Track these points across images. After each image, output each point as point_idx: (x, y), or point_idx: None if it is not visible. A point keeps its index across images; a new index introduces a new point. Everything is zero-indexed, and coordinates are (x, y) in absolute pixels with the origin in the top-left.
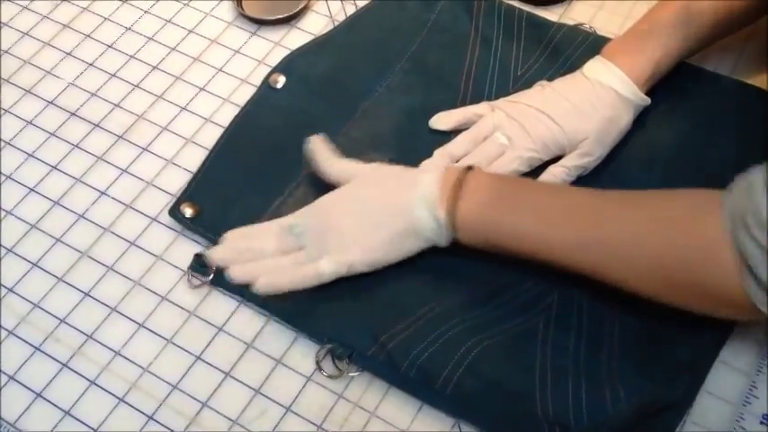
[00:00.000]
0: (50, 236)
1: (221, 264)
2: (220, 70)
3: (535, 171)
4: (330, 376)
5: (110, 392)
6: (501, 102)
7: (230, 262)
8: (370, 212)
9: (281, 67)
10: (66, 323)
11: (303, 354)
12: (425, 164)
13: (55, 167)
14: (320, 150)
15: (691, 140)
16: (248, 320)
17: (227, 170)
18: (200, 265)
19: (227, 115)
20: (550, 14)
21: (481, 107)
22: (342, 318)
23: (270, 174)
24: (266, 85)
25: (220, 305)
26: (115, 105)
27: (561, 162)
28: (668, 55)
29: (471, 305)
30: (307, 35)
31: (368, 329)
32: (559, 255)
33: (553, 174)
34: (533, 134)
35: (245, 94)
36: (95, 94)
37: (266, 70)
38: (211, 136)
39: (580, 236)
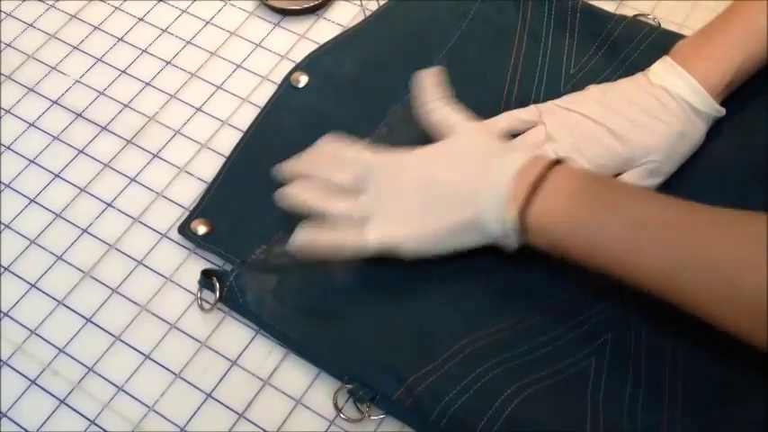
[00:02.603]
0: (51, 253)
1: (290, 174)
2: (239, 66)
3: None
4: (350, 419)
5: None
6: (552, 107)
7: (297, 174)
8: (439, 192)
9: (303, 65)
10: (66, 353)
11: (326, 393)
12: (518, 141)
13: (58, 175)
14: (430, 87)
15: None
16: (265, 353)
17: (243, 182)
18: (208, 283)
19: (245, 117)
20: (607, 4)
21: (530, 112)
22: (364, 353)
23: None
24: (287, 85)
25: (234, 334)
26: (125, 105)
27: (626, 177)
28: (751, 61)
29: (511, 342)
30: (335, 27)
31: (393, 368)
32: (648, 277)
33: None
34: (588, 154)
35: (265, 94)
36: (103, 92)
37: (289, 66)
38: (228, 141)
39: (676, 257)
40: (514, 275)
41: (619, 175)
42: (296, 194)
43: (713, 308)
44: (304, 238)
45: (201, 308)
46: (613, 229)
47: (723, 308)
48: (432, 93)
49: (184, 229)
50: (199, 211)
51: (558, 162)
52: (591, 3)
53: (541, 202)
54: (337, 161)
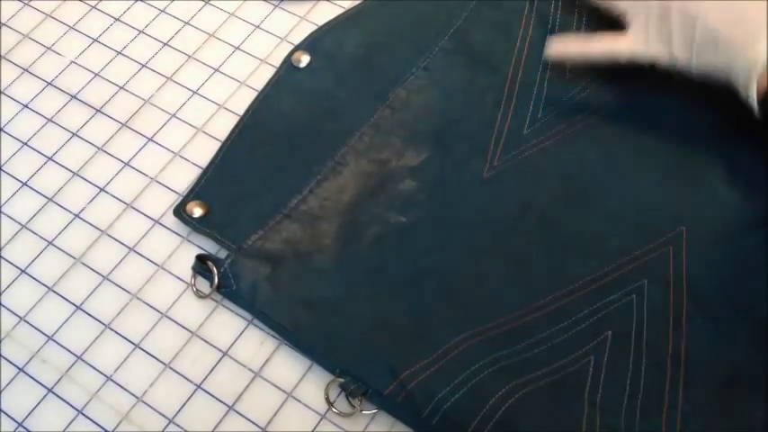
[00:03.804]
0: (42, 238)
1: None
2: (238, 48)
3: None
4: (341, 414)
5: (98, 424)
6: None
7: None
8: (703, 32)
9: (305, 45)
10: (55, 341)
11: (318, 386)
12: None
13: (51, 158)
14: None
15: None
16: (257, 344)
17: (241, 164)
18: (202, 269)
19: (242, 101)
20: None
21: None
22: (358, 345)
23: (288, 167)
24: (288, 64)
25: (227, 324)
26: (120, 87)
27: None
28: None
29: (509, 339)
30: (336, 8)
31: (386, 362)
32: None
33: None
34: None
35: (263, 77)
36: (99, 74)
37: (289, 49)
38: (224, 125)
39: None
40: (514, 269)
41: None
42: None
43: None
44: (558, 44)
45: (197, 295)
46: None
47: None
48: None
49: (180, 212)
50: (195, 193)
51: None
52: None
53: None
54: None
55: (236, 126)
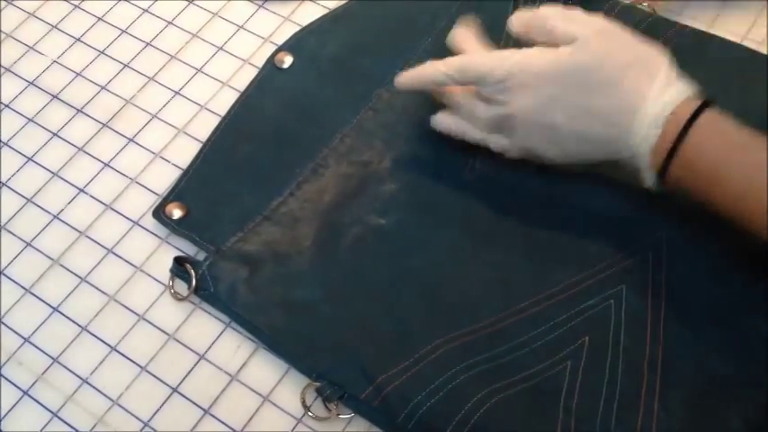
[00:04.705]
0: (20, 239)
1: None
2: (221, 49)
3: None
4: (317, 418)
5: (73, 427)
6: None
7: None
8: (586, 121)
9: (288, 46)
10: (31, 343)
11: (294, 390)
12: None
13: (31, 159)
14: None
15: None
16: (234, 347)
17: (221, 165)
18: (180, 271)
19: (224, 102)
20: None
21: None
22: (334, 349)
23: (268, 169)
24: (271, 65)
25: (204, 327)
26: (102, 87)
27: None
28: None
29: (487, 344)
30: (321, 9)
31: (363, 367)
32: None
33: None
34: None
35: (246, 78)
36: (80, 74)
37: (272, 49)
38: (206, 126)
39: None
40: (493, 272)
41: None
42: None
43: None
44: (446, 121)
45: (175, 297)
46: (760, 175)
47: None
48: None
49: (159, 213)
50: (174, 195)
51: (706, 105)
52: None
53: (691, 149)
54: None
55: (217, 127)
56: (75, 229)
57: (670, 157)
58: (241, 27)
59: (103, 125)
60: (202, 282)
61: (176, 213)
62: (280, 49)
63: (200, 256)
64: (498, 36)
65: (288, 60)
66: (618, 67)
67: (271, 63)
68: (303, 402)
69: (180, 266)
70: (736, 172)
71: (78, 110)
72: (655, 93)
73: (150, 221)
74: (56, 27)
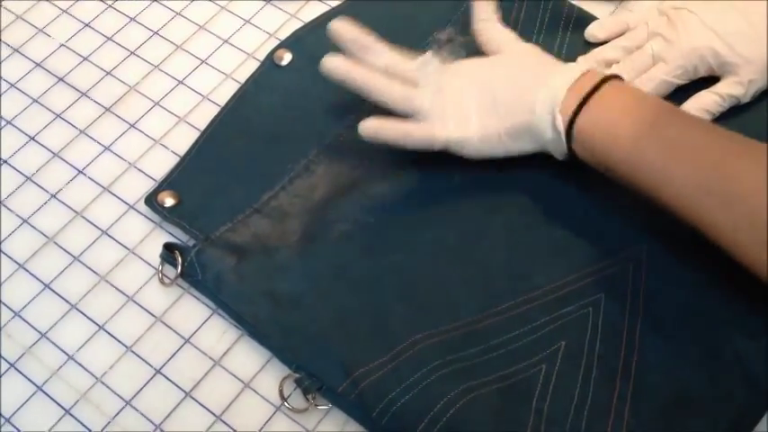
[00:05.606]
0: (18, 216)
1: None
2: (226, 41)
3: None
4: (294, 409)
5: (56, 402)
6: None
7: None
8: (495, 97)
9: (288, 43)
10: (21, 317)
11: (276, 378)
12: (578, 61)
13: (33, 138)
14: (482, 8)
15: None
16: (219, 333)
17: (216, 157)
18: (170, 257)
19: (226, 93)
20: (601, 5)
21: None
22: (315, 341)
23: (262, 163)
24: (270, 62)
25: (191, 312)
26: (107, 73)
27: (714, 88)
28: None
29: (464, 342)
30: (327, 7)
31: (341, 360)
32: (674, 197)
33: (702, 101)
34: (686, 48)
35: (249, 71)
36: (87, 58)
37: (276, 45)
38: (206, 116)
39: (702, 181)
40: (475, 272)
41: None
42: (349, 68)
43: (731, 237)
44: (372, 125)
45: (162, 281)
46: (650, 145)
47: (741, 238)
48: (486, 12)
49: (151, 200)
50: (168, 183)
51: (613, 77)
52: (589, 2)
53: (590, 113)
54: (379, 50)
55: (214, 119)
56: (72, 209)
57: (572, 123)
58: (248, 21)
59: (106, 109)
60: (190, 268)
61: (168, 201)
62: (279, 45)
63: (191, 244)
64: None
65: (287, 57)
66: (524, 67)
67: (270, 59)
68: (281, 393)
69: (169, 252)
70: (630, 131)
71: (83, 93)
72: (556, 76)
73: (145, 206)
74: (66, 11)
